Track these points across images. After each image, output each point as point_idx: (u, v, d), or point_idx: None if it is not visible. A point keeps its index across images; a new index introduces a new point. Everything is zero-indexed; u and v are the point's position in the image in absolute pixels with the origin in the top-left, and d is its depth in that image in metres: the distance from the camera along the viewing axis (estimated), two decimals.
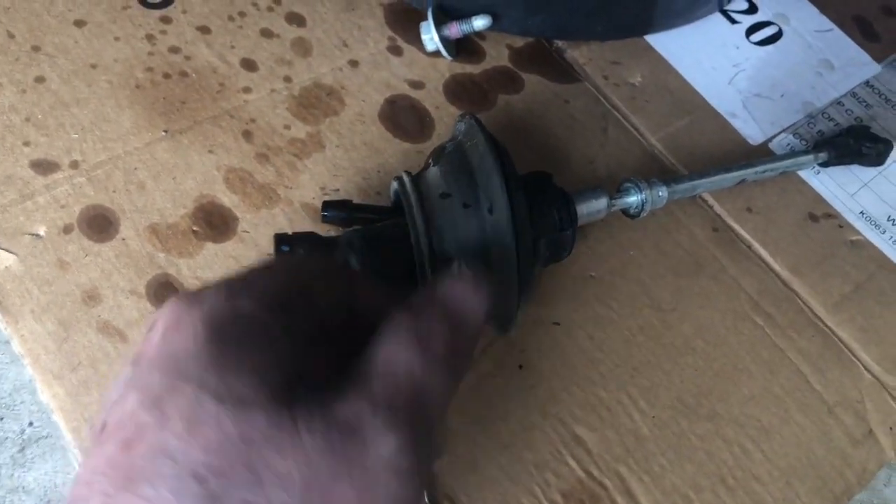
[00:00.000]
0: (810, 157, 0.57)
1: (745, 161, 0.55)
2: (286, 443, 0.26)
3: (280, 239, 0.42)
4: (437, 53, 0.60)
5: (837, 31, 0.69)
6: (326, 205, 0.47)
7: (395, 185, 0.45)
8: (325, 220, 0.47)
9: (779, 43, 0.67)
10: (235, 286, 0.31)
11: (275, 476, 0.25)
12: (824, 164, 0.59)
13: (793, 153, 0.58)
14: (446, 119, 0.57)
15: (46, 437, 0.46)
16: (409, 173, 0.45)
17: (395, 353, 0.30)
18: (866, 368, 0.52)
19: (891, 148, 0.59)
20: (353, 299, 0.35)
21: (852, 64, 0.67)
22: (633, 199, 0.51)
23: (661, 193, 0.51)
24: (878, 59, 0.67)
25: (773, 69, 0.66)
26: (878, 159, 0.59)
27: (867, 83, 0.66)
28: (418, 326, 0.31)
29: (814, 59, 0.67)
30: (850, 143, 0.58)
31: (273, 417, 0.26)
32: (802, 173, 0.60)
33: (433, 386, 0.30)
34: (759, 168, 0.55)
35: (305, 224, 0.51)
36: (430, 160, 0.45)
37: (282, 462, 0.25)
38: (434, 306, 0.33)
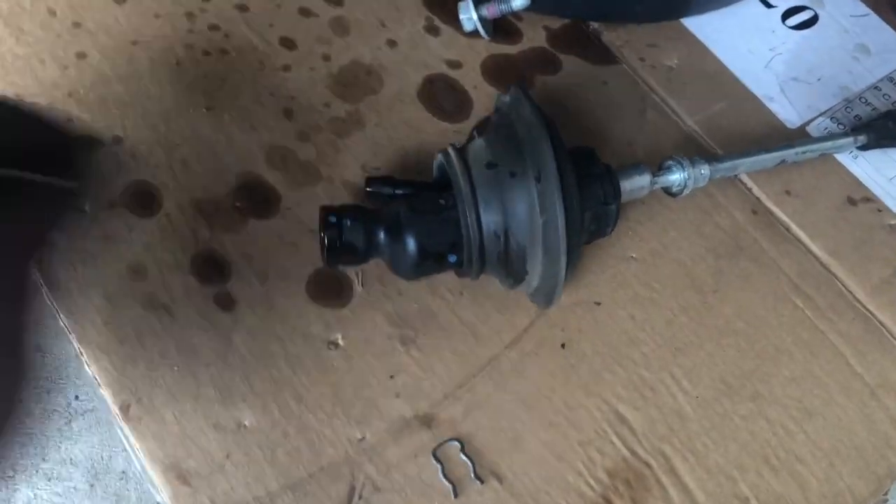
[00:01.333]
0: (850, 139, 0.57)
1: (784, 143, 0.55)
2: None
3: (328, 210, 0.42)
4: (474, 33, 0.59)
5: (873, 16, 0.68)
6: (371, 180, 0.47)
7: (439, 157, 0.45)
8: (369, 195, 0.47)
9: (815, 27, 0.67)
10: None
11: None
12: (863, 148, 0.58)
13: (832, 135, 0.58)
14: (484, 99, 0.57)
15: (93, 411, 0.46)
16: (454, 146, 0.45)
17: None
18: None
19: None
20: None
21: (888, 49, 0.67)
22: (675, 176, 0.50)
23: (703, 171, 0.51)
24: None
25: (810, 53, 0.65)
26: None
27: None
28: None
29: (850, 44, 0.66)
30: (889, 127, 0.58)
31: None
32: (840, 157, 0.59)
33: None
34: (799, 149, 0.55)
35: (347, 201, 0.51)
36: (475, 132, 0.45)
37: None
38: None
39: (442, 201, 0.43)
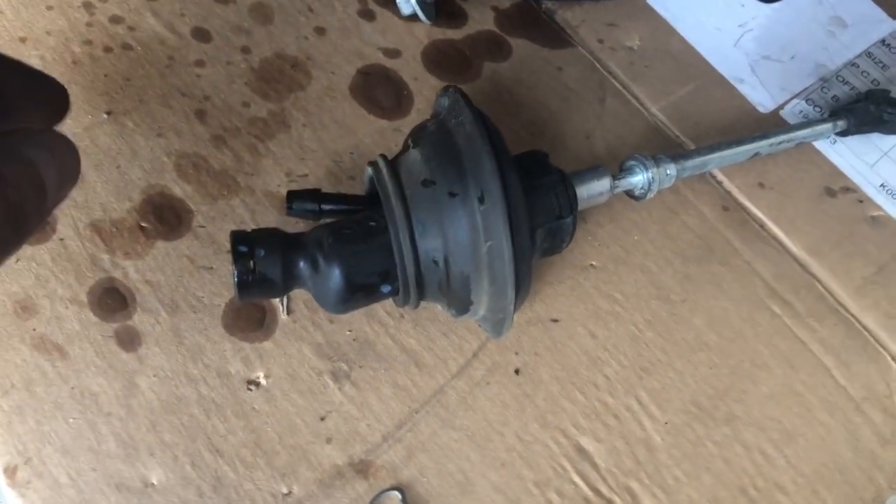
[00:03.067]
0: (828, 125, 0.52)
1: (757, 132, 0.50)
2: None
3: (238, 237, 0.36)
4: (414, 17, 0.53)
5: None
6: (292, 195, 0.41)
7: (369, 170, 0.39)
8: (290, 213, 0.41)
9: None
10: None
11: None
12: (843, 133, 0.53)
13: (809, 122, 0.53)
14: (426, 92, 0.51)
15: None
16: (385, 157, 0.39)
17: None
18: (894, 359, 0.47)
19: None
20: None
21: (866, 21, 0.61)
22: (638, 178, 0.45)
23: (668, 171, 0.45)
24: (893, 15, 0.62)
25: (782, 28, 0.60)
26: None
27: (883, 42, 0.60)
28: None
29: (824, 17, 0.61)
30: (870, 110, 0.53)
31: None
32: (817, 143, 0.54)
33: None
34: (774, 140, 0.50)
35: (269, 216, 0.45)
36: (410, 141, 0.39)
37: None
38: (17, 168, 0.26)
39: (372, 223, 0.37)
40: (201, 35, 0.51)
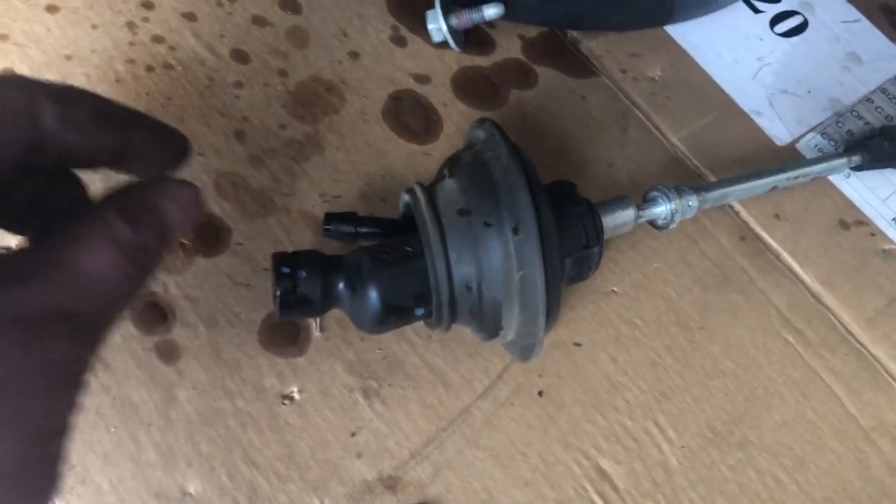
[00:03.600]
0: (843, 160, 0.54)
1: (774, 166, 0.52)
2: None
3: (280, 259, 0.38)
4: (444, 44, 0.55)
5: (865, 22, 0.65)
6: (329, 218, 0.43)
7: (406, 197, 0.41)
8: (327, 234, 0.43)
9: (804, 34, 0.63)
10: None
11: None
12: (857, 168, 0.55)
13: (825, 157, 0.55)
14: (455, 117, 0.53)
15: None
16: (421, 186, 0.41)
17: (93, 267, 0.26)
18: None
19: None
20: (36, 133, 0.28)
21: (881, 58, 0.63)
22: (661, 209, 0.47)
23: (691, 203, 0.47)
24: None
25: (799, 63, 0.62)
26: None
27: None
28: (127, 241, 0.28)
29: (841, 53, 0.63)
30: (884, 146, 0.54)
31: None
32: (832, 177, 0.56)
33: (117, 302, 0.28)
34: (791, 174, 0.51)
35: (304, 235, 0.47)
36: (446, 171, 0.41)
37: None
38: (148, 219, 0.29)
39: (409, 248, 0.39)
40: (240, 57, 0.52)
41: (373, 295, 0.38)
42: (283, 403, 0.43)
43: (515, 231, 0.37)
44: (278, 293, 0.37)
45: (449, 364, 0.45)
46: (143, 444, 0.41)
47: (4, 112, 0.27)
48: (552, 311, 0.38)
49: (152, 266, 0.29)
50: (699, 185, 0.48)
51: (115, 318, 0.28)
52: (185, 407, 0.42)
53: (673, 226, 0.47)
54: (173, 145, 0.35)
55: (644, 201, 0.47)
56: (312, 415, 0.42)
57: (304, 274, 0.37)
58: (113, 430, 0.41)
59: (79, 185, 0.34)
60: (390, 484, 0.42)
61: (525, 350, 0.41)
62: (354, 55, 0.54)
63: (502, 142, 0.39)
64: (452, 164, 0.41)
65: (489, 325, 0.39)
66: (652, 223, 0.48)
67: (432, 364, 0.45)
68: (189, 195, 0.31)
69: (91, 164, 0.31)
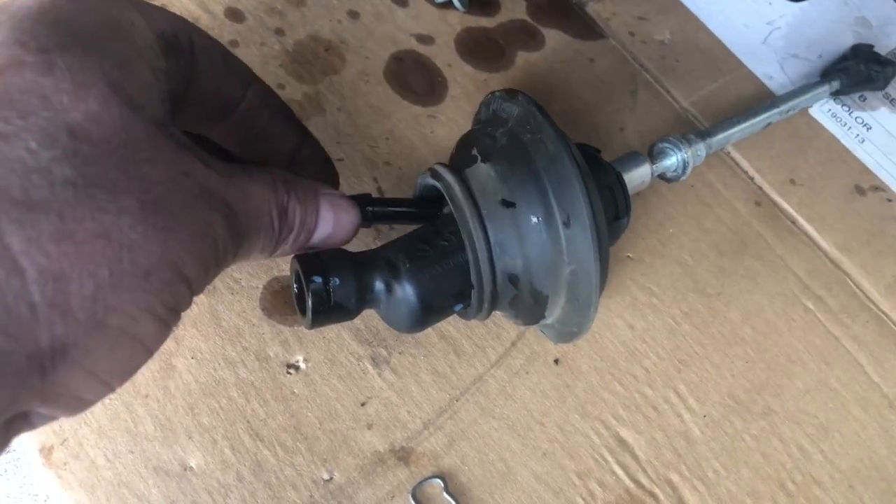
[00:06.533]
0: (825, 87, 0.54)
1: (763, 104, 0.51)
2: (162, 159, 0.25)
3: (308, 265, 0.33)
4: (447, 4, 0.53)
5: None
6: None
7: (429, 180, 0.37)
8: None
9: None
10: None
11: (138, 181, 0.24)
12: (837, 94, 0.55)
13: (807, 86, 0.54)
14: (460, 79, 0.51)
15: (10, 453, 0.39)
16: (446, 167, 0.37)
17: (254, 191, 0.29)
18: None
19: None
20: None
21: (890, 22, 0.62)
22: (672, 160, 0.45)
23: (699, 151, 0.46)
24: None
25: (809, 27, 0.60)
26: (885, 83, 0.56)
27: None
28: (287, 207, 0.31)
29: (850, 17, 0.61)
30: (860, 69, 0.55)
31: (159, 134, 0.26)
32: (846, 142, 0.55)
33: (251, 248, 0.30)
34: (783, 107, 0.51)
35: None
36: (476, 153, 0.37)
37: (153, 171, 0.25)
38: (304, 200, 0.32)
39: (445, 243, 0.35)
40: (234, 15, 0.50)
41: (411, 296, 0.34)
42: (288, 373, 0.40)
43: (567, 224, 0.34)
44: (310, 303, 0.33)
45: (461, 331, 0.43)
46: (140, 416, 0.38)
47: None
48: (599, 297, 0.36)
49: (279, 246, 0.32)
50: (701, 131, 0.47)
51: (249, 250, 0.30)
52: (183, 377, 0.39)
53: (685, 177, 0.45)
54: (330, 170, 0.38)
55: (652, 155, 0.45)
56: (319, 384, 0.40)
57: (337, 281, 0.33)
58: (108, 401, 0.38)
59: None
60: (403, 455, 0.39)
61: (565, 335, 0.38)
62: (354, 14, 0.52)
63: (546, 123, 0.35)
64: (483, 146, 0.37)
65: (530, 315, 0.37)
66: (662, 176, 0.46)
67: (443, 331, 0.43)
68: (349, 208, 0.34)
69: (275, 156, 0.36)
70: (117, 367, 0.25)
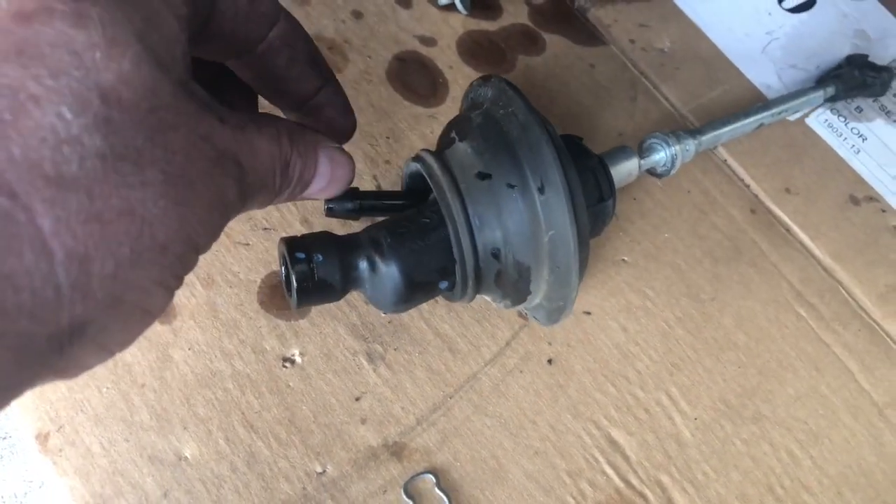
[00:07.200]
0: (819, 92, 0.54)
1: (756, 104, 0.52)
2: (184, 123, 0.24)
3: (292, 244, 0.34)
4: (450, 7, 0.53)
5: (872, 0, 0.64)
6: (329, 198, 0.40)
7: (413, 166, 0.38)
8: (329, 213, 0.40)
9: (812, 10, 0.62)
10: None
11: (162, 151, 0.23)
12: (832, 99, 0.56)
13: (802, 90, 0.54)
14: (461, 81, 0.51)
15: (6, 439, 0.39)
16: (430, 152, 0.38)
17: (262, 147, 0.28)
18: None
19: (893, 76, 0.57)
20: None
21: (889, 35, 0.62)
22: (660, 155, 0.46)
23: (688, 147, 0.46)
24: None
25: (808, 39, 0.61)
26: (881, 89, 0.56)
27: None
28: (290, 162, 0.30)
29: (849, 30, 0.62)
30: (855, 75, 0.55)
31: (183, 96, 0.24)
32: (842, 153, 0.55)
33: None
34: (775, 110, 0.52)
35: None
36: (454, 135, 0.38)
37: (176, 139, 0.24)
38: (303, 153, 0.31)
39: (425, 219, 0.36)
40: None
41: (395, 272, 0.35)
42: (284, 366, 0.41)
43: (541, 190, 0.35)
44: (294, 280, 0.34)
45: (456, 329, 0.43)
46: (137, 405, 0.39)
47: None
48: (582, 268, 0.36)
49: (275, 199, 0.31)
50: (691, 129, 0.48)
51: (250, 206, 0.29)
52: (180, 368, 0.40)
53: (673, 172, 0.46)
54: (346, 119, 0.36)
55: (641, 150, 0.46)
56: (315, 378, 0.41)
57: (320, 258, 0.34)
58: (105, 390, 0.39)
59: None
60: (396, 450, 0.40)
61: (553, 312, 0.39)
62: (357, 14, 0.52)
63: (516, 97, 0.36)
64: (461, 127, 0.38)
65: (516, 291, 0.37)
66: (651, 171, 0.46)
67: (439, 329, 0.43)
68: (345, 163, 0.32)
69: (289, 97, 0.34)
70: (126, 339, 0.25)
